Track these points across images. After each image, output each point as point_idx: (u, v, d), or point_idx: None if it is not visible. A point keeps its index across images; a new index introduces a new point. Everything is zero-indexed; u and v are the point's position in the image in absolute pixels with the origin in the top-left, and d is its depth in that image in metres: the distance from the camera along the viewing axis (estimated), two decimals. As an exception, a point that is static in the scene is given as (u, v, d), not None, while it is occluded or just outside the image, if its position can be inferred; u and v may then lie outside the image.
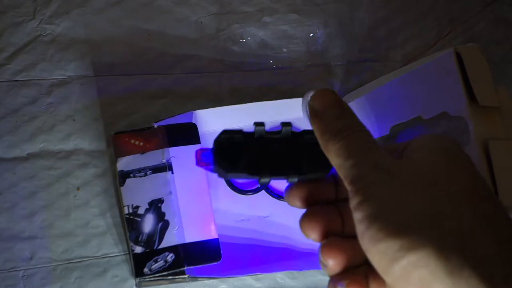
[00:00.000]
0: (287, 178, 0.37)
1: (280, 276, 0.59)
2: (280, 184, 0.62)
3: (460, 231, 0.29)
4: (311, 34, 0.68)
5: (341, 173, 0.33)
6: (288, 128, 0.37)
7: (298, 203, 0.38)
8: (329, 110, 0.35)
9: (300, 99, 0.62)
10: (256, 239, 0.60)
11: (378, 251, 0.30)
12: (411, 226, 0.29)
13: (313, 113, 0.35)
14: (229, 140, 0.37)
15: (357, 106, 0.60)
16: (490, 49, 0.70)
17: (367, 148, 0.33)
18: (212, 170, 0.38)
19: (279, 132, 0.37)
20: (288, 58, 0.67)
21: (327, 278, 0.58)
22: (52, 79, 0.61)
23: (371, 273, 0.34)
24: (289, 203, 0.38)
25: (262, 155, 0.37)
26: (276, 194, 0.61)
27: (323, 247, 0.35)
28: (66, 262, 0.57)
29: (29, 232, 0.57)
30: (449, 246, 0.29)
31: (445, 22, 0.71)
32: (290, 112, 0.63)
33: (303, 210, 0.38)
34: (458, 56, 0.47)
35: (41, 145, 0.59)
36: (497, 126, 0.46)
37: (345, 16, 0.69)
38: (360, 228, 0.31)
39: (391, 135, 0.55)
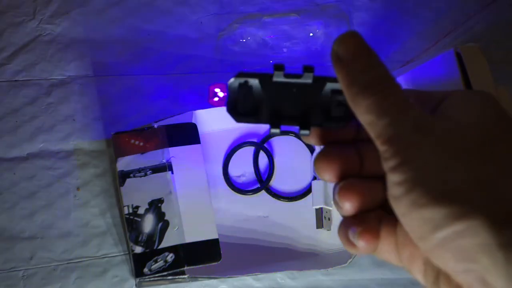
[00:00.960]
0: (299, 128, 0.34)
1: (280, 276, 0.59)
2: (281, 185, 0.62)
3: (510, 200, 0.27)
4: (311, 34, 0.68)
5: (372, 131, 0.30)
6: (309, 74, 0.33)
7: (313, 140, 0.35)
8: (357, 58, 0.31)
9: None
10: (256, 239, 0.60)
11: (420, 217, 0.28)
12: (459, 193, 0.27)
13: (338, 61, 0.32)
14: (244, 84, 0.34)
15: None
16: (490, 49, 0.69)
17: (403, 105, 0.30)
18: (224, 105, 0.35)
19: (299, 76, 0.34)
20: (288, 58, 0.67)
21: (327, 278, 0.58)
22: (52, 79, 0.61)
23: (384, 219, 0.32)
24: (304, 140, 0.36)
25: (277, 101, 0.34)
26: (276, 194, 0.61)
27: (340, 188, 0.33)
28: (66, 262, 0.57)
29: (29, 232, 0.57)
30: (503, 217, 0.27)
31: (445, 22, 0.71)
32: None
33: (302, 211, 0.37)
34: (459, 56, 0.47)
35: (41, 145, 0.59)
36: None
37: (345, 16, 0.69)
38: (397, 191, 0.29)
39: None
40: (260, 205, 0.61)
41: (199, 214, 0.57)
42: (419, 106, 0.31)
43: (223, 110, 0.61)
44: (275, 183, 0.62)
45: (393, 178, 0.29)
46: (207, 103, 0.61)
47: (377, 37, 0.69)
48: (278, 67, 0.33)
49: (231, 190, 0.61)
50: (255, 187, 0.61)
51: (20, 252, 0.56)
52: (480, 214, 0.27)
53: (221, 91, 0.33)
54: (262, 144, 0.62)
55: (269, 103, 0.34)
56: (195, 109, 0.60)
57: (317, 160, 0.34)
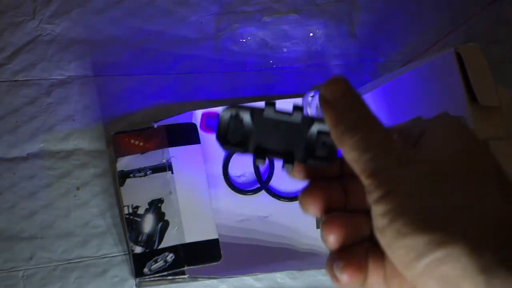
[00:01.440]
0: (283, 162, 0.36)
1: (280, 276, 0.59)
2: (281, 185, 0.62)
3: (493, 226, 0.28)
4: (311, 34, 0.68)
5: (357, 167, 0.32)
6: (299, 113, 0.36)
7: (298, 175, 0.37)
8: (342, 100, 0.33)
9: (300, 99, 0.62)
10: (256, 239, 0.60)
11: (403, 245, 0.29)
12: (439, 220, 0.28)
13: (325, 103, 0.34)
14: (235, 116, 0.36)
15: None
16: (490, 49, 0.70)
17: (385, 141, 0.32)
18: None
19: (289, 115, 0.36)
20: (288, 58, 0.67)
21: (327, 278, 0.58)
22: (52, 79, 0.61)
23: (372, 251, 0.33)
24: (290, 176, 0.37)
25: (265, 135, 0.36)
26: (276, 194, 0.61)
27: (323, 223, 0.34)
28: (66, 262, 0.57)
29: (29, 232, 0.57)
30: (481, 242, 0.27)
31: (445, 22, 0.71)
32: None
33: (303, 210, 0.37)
34: (459, 56, 0.47)
35: (41, 145, 0.59)
36: (498, 125, 0.46)
37: (345, 16, 0.69)
38: (382, 222, 0.30)
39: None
40: (260, 205, 0.61)
41: (199, 214, 0.57)
42: (401, 141, 0.33)
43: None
44: (275, 183, 0.62)
45: (377, 210, 0.30)
46: (206, 104, 0.62)
47: (377, 37, 0.69)
48: (270, 104, 0.35)
49: (231, 190, 0.61)
50: (255, 187, 0.61)
51: (20, 252, 0.56)
52: (460, 240, 0.28)
53: (213, 119, 0.35)
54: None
55: (257, 135, 0.36)
56: (195, 109, 0.60)
57: (301, 196, 0.36)
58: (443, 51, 0.49)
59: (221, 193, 0.61)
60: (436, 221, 0.28)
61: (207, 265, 0.55)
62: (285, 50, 0.67)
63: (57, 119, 0.60)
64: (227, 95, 0.64)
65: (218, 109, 0.35)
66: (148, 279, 0.54)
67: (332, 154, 0.35)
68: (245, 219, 0.61)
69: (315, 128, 0.36)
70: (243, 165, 0.62)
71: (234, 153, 0.36)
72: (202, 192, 0.58)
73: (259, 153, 0.36)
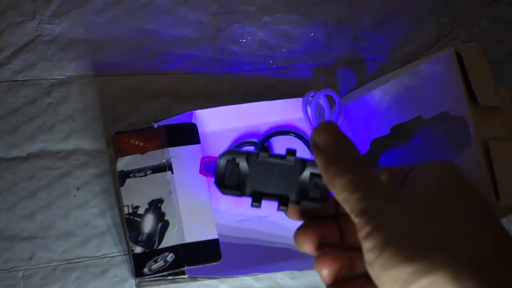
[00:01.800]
0: (278, 204, 0.39)
1: (280, 276, 0.59)
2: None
3: (473, 254, 0.30)
4: (311, 34, 0.68)
5: (347, 207, 0.34)
6: (292, 157, 0.38)
7: (293, 216, 0.40)
8: (332, 145, 0.36)
9: (300, 99, 0.62)
10: (256, 239, 0.60)
11: (390, 276, 0.30)
12: (423, 251, 0.30)
13: (317, 147, 0.36)
14: (232, 160, 0.39)
15: (357, 106, 0.60)
16: (490, 49, 0.70)
17: (372, 182, 0.34)
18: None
19: (283, 158, 0.38)
20: (288, 58, 0.67)
21: (327, 278, 0.58)
22: (52, 79, 0.61)
23: (368, 286, 0.35)
24: (287, 216, 0.40)
25: (261, 178, 0.39)
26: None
27: (317, 256, 0.37)
28: (66, 262, 0.57)
29: (29, 232, 0.57)
30: (463, 269, 0.29)
31: (445, 22, 0.71)
32: (290, 112, 0.63)
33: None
34: (459, 56, 0.47)
35: (41, 145, 0.59)
36: (498, 126, 0.46)
37: (345, 16, 0.69)
38: (371, 256, 0.32)
39: (391, 135, 0.55)
40: (260, 205, 0.61)
41: (199, 214, 0.57)
42: (389, 180, 0.36)
43: (223, 110, 0.61)
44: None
45: (366, 245, 0.32)
46: (206, 104, 0.62)
47: (377, 37, 0.69)
48: (264, 148, 0.38)
49: (231, 190, 0.61)
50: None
51: (20, 252, 0.56)
52: (443, 269, 0.29)
53: (211, 164, 0.39)
54: (262, 144, 0.62)
55: (253, 179, 0.39)
56: (195, 109, 0.60)
57: (296, 234, 0.39)
58: (443, 51, 0.49)
59: (221, 193, 0.61)
60: (421, 252, 0.30)
61: (207, 265, 0.55)
62: (285, 50, 0.67)
63: (57, 119, 0.60)
64: (227, 95, 0.64)
65: (217, 153, 0.39)
66: (148, 279, 0.54)
67: (325, 196, 0.38)
68: (245, 219, 0.61)
69: (307, 170, 0.38)
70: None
71: (233, 196, 0.39)
72: (202, 192, 0.58)
73: (256, 197, 0.39)
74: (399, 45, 0.69)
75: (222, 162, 0.39)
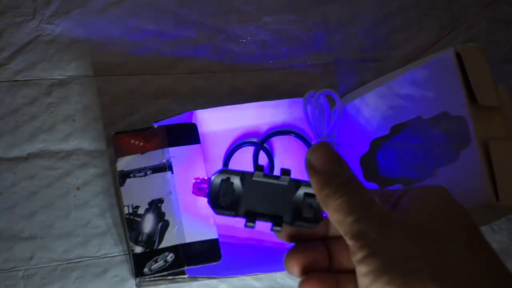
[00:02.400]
0: (272, 225, 0.39)
1: (280, 276, 0.59)
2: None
3: (465, 281, 0.31)
4: (311, 34, 0.68)
5: (341, 228, 0.34)
6: (286, 177, 0.38)
7: (285, 238, 0.39)
8: (327, 166, 0.36)
9: (300, 99, 0.62)
10: (256, 239, 0.60)
11: None
12: (417, 278, 0.31)
13: (311, 168, 0.36)
14: (226, 180, 0.39)
15: (357, 106, 0.60)
16: (490, 49, 0.70)
17: (367, 204, 0.34)
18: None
19: (277, 178, 0.38)
20: (288, 58, 0.67)
21: (327, 278, 0.58)
22: (52, 79, 0.61)
23: None
24: (279, 238, 0.40)
25: (255, 198, 0.39)
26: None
27: (301, 282, 0.37)
28: (66, 262, 0.57)
29: (29, 232, 0.57)
30: None
31: (445, 22, 0.71)
32: (290, 112, 0.63)
33: None
34: (458, 56, 0.47)
35: (41, 145, 0.59)
36: (497, 125, 0.46)
37: (345, 16, 0.69)
38: (365, 281, 0.32)
39: (391, 135, 0.55)
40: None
41: (199, 214, 0.57)
42: (382, 202, 0.36)
43: (223, 110, 0.61)
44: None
45: (360, 270, 0.32)
46: (206, 104, 0.62)
47: (377, 37, 0.69)
48: (259, 168, 0.38)
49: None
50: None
51: (20, 252, 0.56)
52: None
53: (204, 184, 0.38)
54: (262, 144, 0.62)
55: (247, 199, 0.39)
56: (195, 109, 0.60)
57: (285, 258, 0.38)
58: (443, 51, 0.49)
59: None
60: (413, 278, 0.31)
61: (207, 265, 0.55)
62: (285, 50, 0.67)
63: (57, 119, 0.60)
64: (227, 96, 0.64)
65: (211, 172, 0.39)
66: (148, 279, 0.54)
67: (318, 216, 0.38)
68: (245, 219, 0.61)
69: (301, 190, 0.38)
70: (243, 165, 0.62)
71: (227, 216, 0.39)
72: (202, 192, 0.58)
73: (249, 217, 0.39)
74: (399, 45, 0.69)
75: (216, 182, 0.39)
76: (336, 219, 0.34)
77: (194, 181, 0.41)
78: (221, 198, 0.39)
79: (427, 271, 0.31)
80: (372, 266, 0.32)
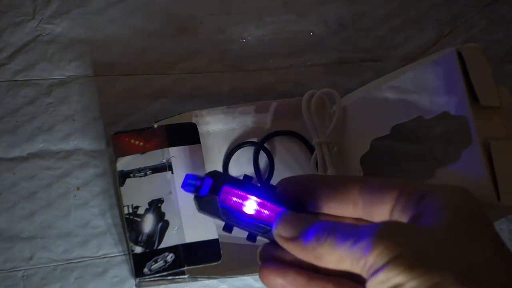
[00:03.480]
0: (247, 237, 0.39)
1: (280, 276, 0.59)
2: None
3: (494, 282, 0.30)
4: (311, 34, 0.68)
5: (357, 269, 0.32)
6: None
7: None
8: (299, 236, 0.35)
9: (300, 99, 0.62)
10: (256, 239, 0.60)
11: None
12: (446, 284, 0.30)
13: (285, 242, 0.36)
14: (213, 182, 0.39)
15: (357, 106, 0.60)
16: (490, 49, 0.70)
17: (365, 247, 0.32)
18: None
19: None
20: (288, 58, 0.67)
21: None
22: (51, 79, 0.61)
23: None
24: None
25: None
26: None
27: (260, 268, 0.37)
28: (66, 262, 0.57)
29: (29, 232, 0.57)
30: None
31: (445, 22, 0.71)
32: (290, 112, 0.63)
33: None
34: (460, 56, 0.47)
35: (41, 145, 0.59)
36: (499, 126, 0.46)
37: (345, 16, 0.69)
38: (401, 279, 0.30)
39: (391, 135, 0.55)
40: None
41: (199, 214, 0.57)
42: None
43: (223, 110, 0.61)
44: (275, 182, 0.62)
45: (379, 278, 0.31)
46: (206, 104, 0.62)
47: (377, 37, 0.69)
48: (247, 177, 0.39)
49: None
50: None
51: (20, 252, 0.56)
52: None
53: (193, 178, 0.38)
54: (262, 144, 0.62)
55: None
56: (195, 109, 0.60)
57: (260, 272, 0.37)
58: (444, 51, 0.49)
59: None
60: (449, 283, 0.30)
61: (207, 265, 0.55)
62: (285, 50, 0.67)
63: (57, 119, 0.60)
64: (227, 96, 0.64)
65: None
66: (148, 279, 0.54)
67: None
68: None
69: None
70: (243, 165, 0.62)
71: (208, 215, 0.40)
72: (202, 192, 0.58)
73: (228, 223, 0.39)
74: (399, 45, 0.69)
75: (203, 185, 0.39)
76: (344, 268, 0.33)
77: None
78: (204, 201, 0.40)
79: (455, 277, 0.30)
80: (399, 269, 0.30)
